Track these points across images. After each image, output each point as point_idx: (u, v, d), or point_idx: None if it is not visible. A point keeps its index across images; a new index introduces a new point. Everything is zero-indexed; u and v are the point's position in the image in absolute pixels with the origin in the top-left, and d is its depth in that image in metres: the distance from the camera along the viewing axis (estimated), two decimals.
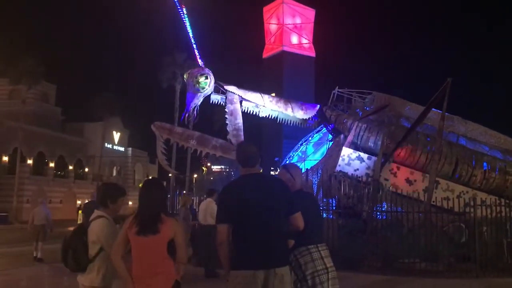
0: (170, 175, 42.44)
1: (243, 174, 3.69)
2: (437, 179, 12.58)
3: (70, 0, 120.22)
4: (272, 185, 3.69)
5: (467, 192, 13.03)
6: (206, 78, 14.81)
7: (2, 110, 46.73)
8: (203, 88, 14.82)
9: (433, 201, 11.42)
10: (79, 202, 48.85)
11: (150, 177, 4.96)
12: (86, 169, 53.35)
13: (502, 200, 11.33)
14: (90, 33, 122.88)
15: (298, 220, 3.70)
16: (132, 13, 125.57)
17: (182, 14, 14.90)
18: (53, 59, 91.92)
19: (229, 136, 15.06)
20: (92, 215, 4.22)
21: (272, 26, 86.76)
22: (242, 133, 15.11)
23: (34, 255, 13.68)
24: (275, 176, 4.31)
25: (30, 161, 44.12)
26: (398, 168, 13.54)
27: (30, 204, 43.09)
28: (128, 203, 40.36)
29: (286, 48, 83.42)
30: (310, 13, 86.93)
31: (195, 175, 54.75)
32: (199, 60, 15.33)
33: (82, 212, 13.60)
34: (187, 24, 14.98)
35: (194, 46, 15.24)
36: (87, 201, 18.51)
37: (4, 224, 34.42)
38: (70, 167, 50.37)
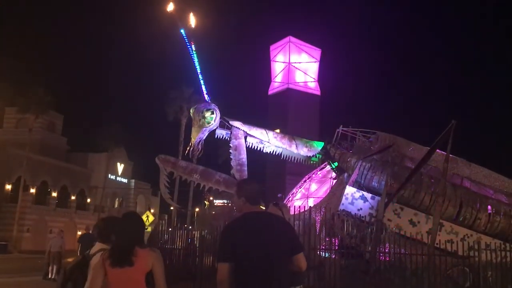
0: (172, 208, 42.22)
1: (246, 212, 3.66)
2: (441, 221, 12.46)
3: (79, 32, 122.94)
4: (275, 224, 3.64)
5: (471, 235, 12.88)
6: (212, 113, 15.00)
7: (9, 138, 47.05)
8: (209, 123, 14.99)
9: (437, 244, 11.29)
10: (79, 232, 48.44)
11: (129, 211, 4.98)
12: (88, 200, 53.13)
13: (507, 245, 11.17)
14: (97, 64, 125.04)
15: (301, 260, 3.64)
16: (140, 47, 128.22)
17: (190, 50, 15.23)
18: (61, 89, 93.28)
19: (232, 171, 15.10)
20: (94, 248, 4.20)
21: (278, 63, 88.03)
22: (246, 168, 15.17)
23: (49, 276, 16.11)
24: (278, 215, 4.26)
25: (33, 190, 44.01)
26: (401, 209, 13.45)
27: (30, 233, 42.73)
28: None
29: (291, 86, 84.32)
30: (316, 52, 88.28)
31: (197, 209, 54.46)
32: (206, 95, 15.56)
33: (79, 243, 14.34)
34: (195, 59, 15.30)
35: (201, 81, 15.51)
36: (79, 232, 19.80)
37: (3, 253, 34.09)
38: (73, 197, 50.18)
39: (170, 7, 14.81)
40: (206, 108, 15.16)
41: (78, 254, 15.41)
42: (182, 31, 15.00)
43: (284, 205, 4.43)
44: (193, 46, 15.18)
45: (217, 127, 15.45)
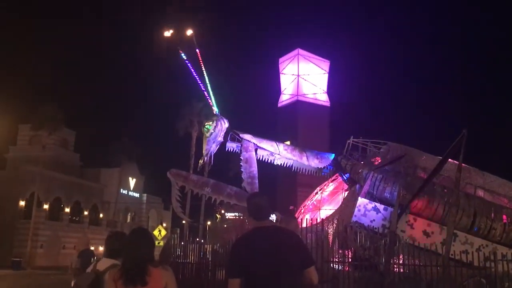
0: (183, 222, 42.24)
1: (255, 227, 3.66)
2: (455, 231, 12.31)
3: (89, 49, 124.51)
4: (285, 238, 3.61)
5: (486, 245, 12.69)
6: (212, 122, 15.13)
7: (22, 155, 47.60)
8: (207, 131, 15.08)
9: (452, 254, 11.13)
10: (92, 248, 48.48)
11: (137, 226, 4.85)
12: (101, 215, 53.38)
13: None
14: (109, 80, 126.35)
15: (312, 274, 3.61)
16: (150, 61, 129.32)
17: (194, 73, 15.43)
18: (73, 105, 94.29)
19: (243, 184, 15.11)
20: (103, 264, 4.19)
21: (287, 76, 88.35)
22: (256, 180, 15.17)
23: None
24: (288, 229, 4.24)
25: (46, 206, 44.35)
26: (415, 220, 13.33)
27: (44, 249, 42.97)
28: None
29: (301, 98, 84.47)
30: (325, 64, 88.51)
31: (209, 223, 54.41)
32: (214, 108, 15.68)
33: (78, 258, 14.31)
34: (205, 76, 15.48)
35: (210, 93, 15.63)
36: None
37: (18, 269, 34.24)
38: (85, 213, 50.46)
39: (167, 33, 15.24)
40: (208, 119, 15.42)
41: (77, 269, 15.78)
42: (182, 55, 15.27)
43: (289, 220, 4.41)
44: (200, 58, 15.35)
45: (222, 137, 15.50)
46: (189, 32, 15.18)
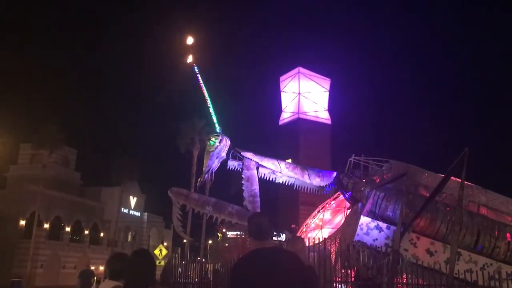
0: (184, 241, 41.94)
1: (256, 248, 3.62)
2: (459, 250, 12.20)
3: (90, 66, 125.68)
4: (286, 260, 3.58)
5: (491, 264, 12.55)
6: (218, 136, 15.20)
7: (23, 174, 47.55)
8: (213, 144, 15.11)
9: (456, 273, 11.02)
10: (93, 267, 48.04)
11: (139, 248, 4.79)
12: (102, 234, 53.05)
13: None
14: (110, 99, 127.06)
15: None
16: (151, 79, 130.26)
17: (202, 85, 15.53)
18: (74, 124, 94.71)
19: (245, 202, 15.05)
20: (106, 286, 4.16)
21: (288, 94, 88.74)
22: (258, 199, 15.12)
23: None
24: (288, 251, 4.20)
25: (46, 225, 44.11)
26: (418, 238, 13.21)
27: (44, 269, 42.58)
28: None
29: (302, 116, 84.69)
30: (325, 82, 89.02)
31: (210, 242, 54.02)
32: (217, 126, 15.74)
33: (79, 278, 14.12)
34: (205, 92, 15.56)
35: (212, 112, 15.71)
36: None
37: None
38: (86, 232, 50.16)
39: (190, 40, 15.42)
40: (213, 134, 15.48)
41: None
42: (195, 68, 15.39)
43: (295, 241, 4.36)
44: (200, 77, 15.47)
45: (224, 153, 15.52)
46: (190, 59, 15.41)
